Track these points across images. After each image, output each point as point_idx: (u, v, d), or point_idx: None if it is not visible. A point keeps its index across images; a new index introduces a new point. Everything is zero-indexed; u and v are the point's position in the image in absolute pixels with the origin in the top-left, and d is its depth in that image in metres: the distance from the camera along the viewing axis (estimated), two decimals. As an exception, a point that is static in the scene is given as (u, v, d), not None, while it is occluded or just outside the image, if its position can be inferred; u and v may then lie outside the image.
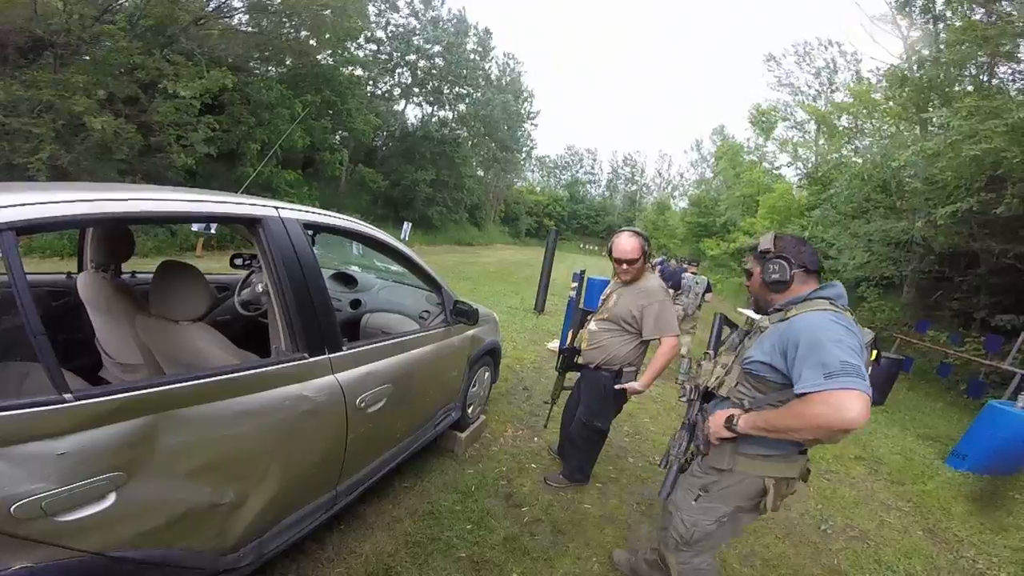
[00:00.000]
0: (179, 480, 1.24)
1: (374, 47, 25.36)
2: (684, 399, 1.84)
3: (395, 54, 26.36)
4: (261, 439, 1.47)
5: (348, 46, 19.58)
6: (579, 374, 2.97)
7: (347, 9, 15.12)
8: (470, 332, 3.01)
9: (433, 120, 28.67)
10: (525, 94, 39.29)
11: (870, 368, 1.43)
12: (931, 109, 9.05)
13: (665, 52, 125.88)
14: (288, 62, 17.11)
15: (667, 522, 1.89)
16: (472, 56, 30.00)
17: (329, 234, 2.22)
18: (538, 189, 58.23)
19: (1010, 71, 9.07)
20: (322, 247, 4.36)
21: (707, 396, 1.77)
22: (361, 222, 2.18)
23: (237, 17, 14.32)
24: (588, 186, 64.62)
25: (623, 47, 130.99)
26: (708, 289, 6.84)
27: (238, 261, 3.02)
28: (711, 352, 1.85)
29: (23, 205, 1.04)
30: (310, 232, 1.91)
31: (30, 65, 10.05)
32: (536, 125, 42.64)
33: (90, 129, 9.72)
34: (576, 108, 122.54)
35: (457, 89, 29.07)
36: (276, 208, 1.68)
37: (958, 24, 8.90)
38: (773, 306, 1.62)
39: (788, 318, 1.49)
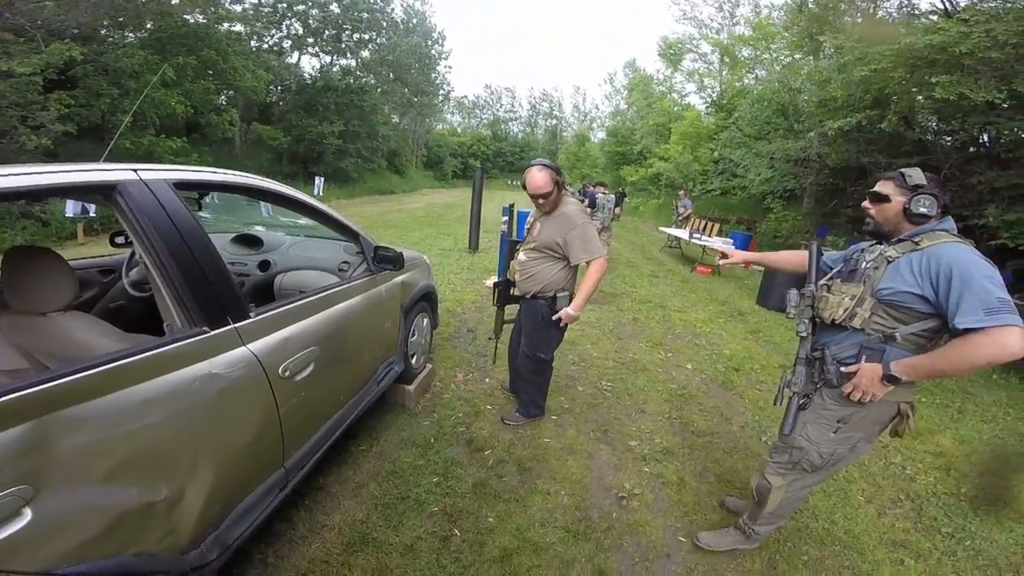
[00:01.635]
0: (98, 484, 1.13)
1: (255, 0, 22.45)
2: (803, 333, 1.78)
3: (280, 5, 23.64)
4: (177, 427, 1.33)
5: (222, 1, 17.20)
6: (517, 306, 2.94)
7: None
8: (399, 279, 2.85)
9: (334, 70, 26.39)
10: (436, 35, 36.94)
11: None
12: (825, 35, 9.51)
13: None
14: (149, 25, 14.81)
15: (783, 455, 1.91)
16: (372, 1, 27.46)
17: (214, 192, 2.01)
18: (460, 131, 56.35)
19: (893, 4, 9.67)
20: (221, 211, 3.91)
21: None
22: (246, 175, 1.91)
23: None
24: (510, 124, 63.42)
25: None
26: (618, 203, 8.61)
27: (119, 239, 2.67)
28: (813, 284, 1.81)
29: None
30: (193, 193, 1.63)
31: None
32: (450, 67, 40.60)
33: None
34: (491, 46, 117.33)
35: (358, 36, 26.78)
36: (135, 170, 1.42)
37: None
38: (899, 235, 1.64)
39: (922, 248, 1.52)
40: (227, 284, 1.57)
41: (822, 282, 1.81)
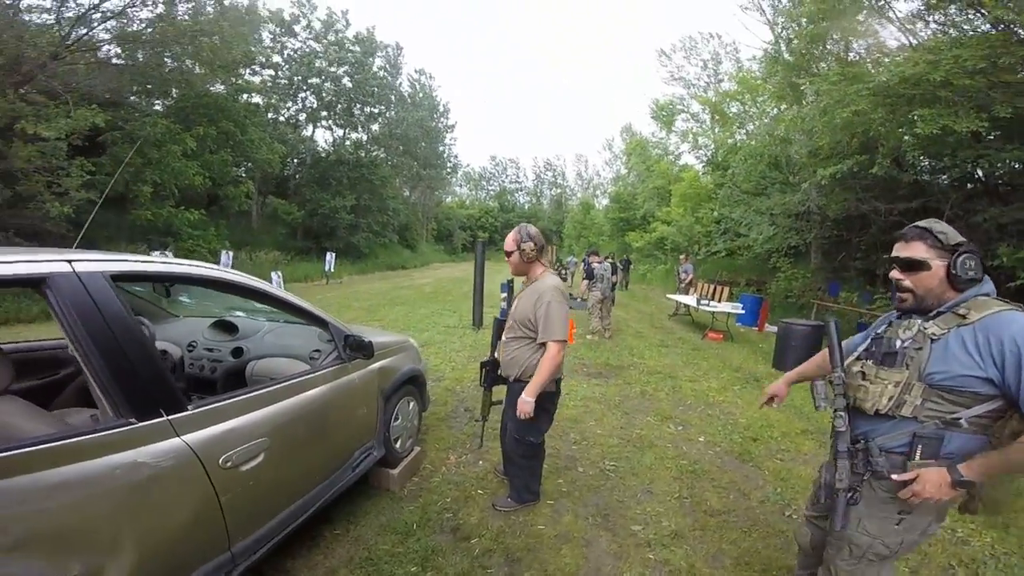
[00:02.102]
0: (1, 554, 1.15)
1: (271, 72, 24.15)
2: (841, 428, 1.56)
3: (295, 78, 25.19)
4: (92, 508, 1.34)
5: (242, 73, 18.51)
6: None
7: (227, 37, 14.19)
8: (375, 365, 2.81)
9: (346, 143, 27.68)
10: (441, 108, 39.19)
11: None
12: (803, 80, 9.81)
13: (571, 57, 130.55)
14: (174, 94, 15.86)
15: (842, 551, 1.66)
16: (382, 74, 29.41)
17: (157, 283, 1.98)
18: (468, 203, 58.37)
19: (862, 45, 10.08)
20: (203, 296, 3.92)
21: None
22: (198, 264, 1.93)
23: (106, 49, 13.03)
24: (516, 194, 65.67)
25: (533, 54, 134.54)
26: (614, 272, 8.84)
27: None
28: (840, 368, 1.61)
29: None
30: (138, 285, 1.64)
31: None
32: (455, 138, 42.90)
33: None
34: (495, 119, 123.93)
35: (368, 109, 28.23)
36: (69, 261, 1.44)
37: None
38: (939, 306, 1.45)
39: (971, 321, 1.36)
40: (160, 378, 1.59)
41: (852, 365, 1.62)
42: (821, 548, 1.83)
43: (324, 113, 26.96)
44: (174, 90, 15.64)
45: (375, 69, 28.69)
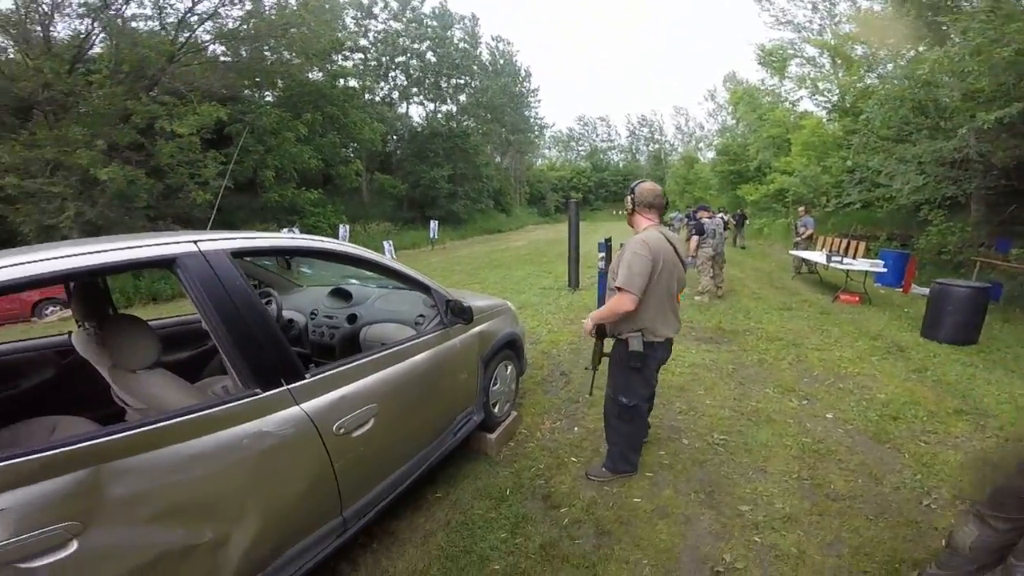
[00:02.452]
0: (142, 525, 1.26)
1: (361, 56, 25.49)
2: None
3: (383, 59, 26.48)
4: (223, 479, 1.43)
5: (335, 59, 19.68)
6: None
7: (314, 27, 15.05)
8: (476, 329, 2.83)
9: (438, 116, 28.74)
10: (522, 73, 38.71)
11: None
12: (945, 17, 8.09)
13: (659, 7, 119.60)
14: (280, 84, 17.26)
15: None
16: (462, 46, 29.78)
17: (273, 256, 2.09)
18: (558, 164, 57.29)
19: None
20: (320, 266, 4.22)
21: None
22: (311, 238, 2.05)
23: (211, 49, 14.47)
24: (609, 153, 63.01)
25: (617, 9, 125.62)
26: (726, 226, 8.77)
27: None
28: None
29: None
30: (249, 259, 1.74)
31: (24, 125, 10.34)
32: (539, 100, 42.42)
33: (102, 180, 9.99)
34: (580, 78, 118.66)
35: (454, 81, 28.97)
36: (195, 241, 1.57)
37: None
38: None
39: None
40: (280, 349, 1.66)
41: None
42: (985, 552, 1.54)
43: (414, 89, 28.19)
44: (279, 81, 17.01)
45: (455, 41, 29.25)
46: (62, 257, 1.30)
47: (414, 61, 27.35)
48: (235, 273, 1.59)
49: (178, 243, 1.52)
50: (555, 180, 49.82)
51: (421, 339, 2.35)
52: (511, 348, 3.27)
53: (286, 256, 2.24)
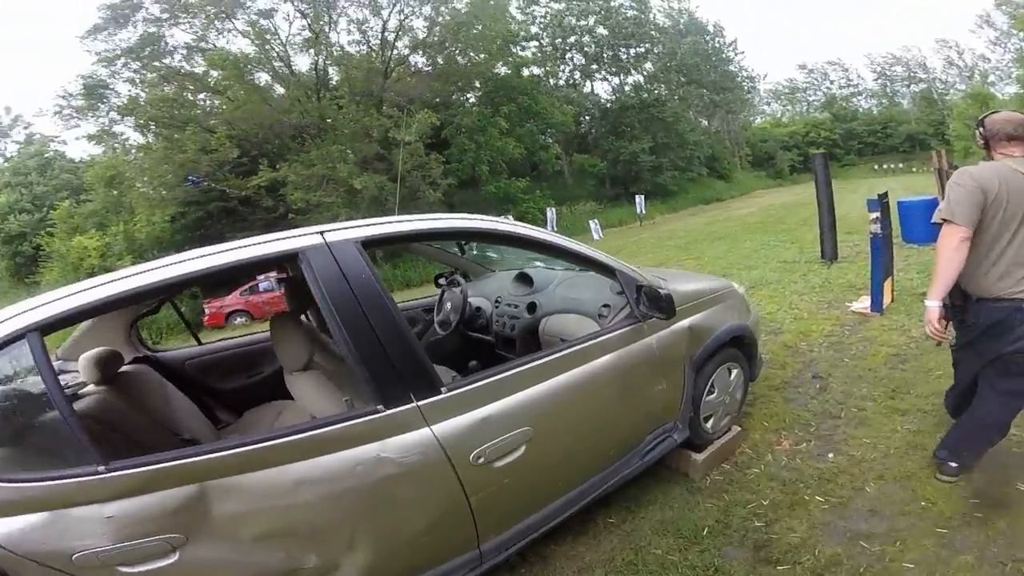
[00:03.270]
0: (244, 544, 1.23)
1: (536, 44, 25.71)
2: None
3: (556, 41, 26.20)
4: (331, 507, 1.30)
5: (513, 50, 20.30)
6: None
7: (487, 23, 15.71)
8: (685, 323, 2.19)
9: (626, 89, 27.47)
10: (710, 29, 33.89)
11: None
12: None
13: None
14: (476, 84, 18.42)
15: None
16: (631, 13, 27.65)
17: (406, 243, 2.17)
18: (785, 120, 48.52)
19: None
20: (504, 250, 3.92)
21: None
22: (455, 217, 1.85)
23: (415, 61, 16.21)
24: (853, 99, 50.32)
25: None
26: None
27: (441, 281, 3.02)
28: None
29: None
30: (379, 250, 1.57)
31: (303, 148, 13.05)
32: (742, 54, 36.90)
33: (357, 189, 12.17)
34: (788, 24, 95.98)
35: (633, 50, 27.38)
36: (321, 232, 1.44)
37: None
38: None
39: None
40: (412, 356, 1.43)
41: None
42: None
43: (594, 66, 27.32)
44: (476, 82, 18.27)
45: (622, 10, 27.43)
46: (197, 258, 1.33)
47: (586, 38, 26.66)
48: (362, 265, 1.42)
49: (304, 235, 1.42)
50: (784, 137, 42.25)
51: (600, 339, 1.88)
52: (737, 346, 2.52)
53: (427, 240, 2.07)
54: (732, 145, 35.59)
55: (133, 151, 14.32)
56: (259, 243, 1.39)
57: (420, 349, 1.47)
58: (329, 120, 13.23)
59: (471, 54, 16.96)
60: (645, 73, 28.36)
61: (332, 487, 1.28)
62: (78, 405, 1.58)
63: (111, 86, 13.71)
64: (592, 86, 28.41)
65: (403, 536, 1.41)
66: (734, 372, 2.52)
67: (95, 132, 14.47)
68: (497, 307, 2.94)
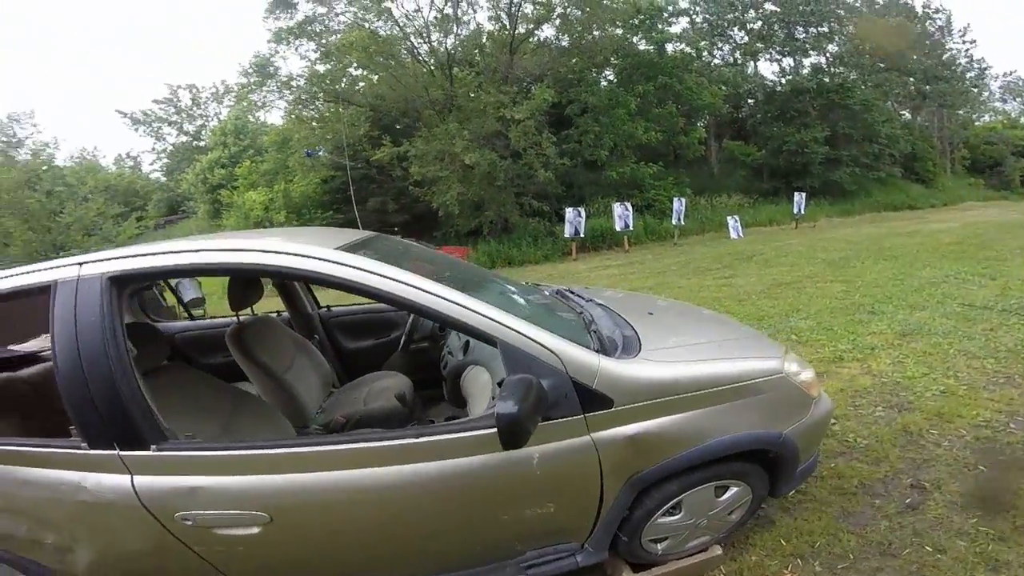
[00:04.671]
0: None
1: (687, 19, 22.80)
2: None
3: (710, 17, 22.83)
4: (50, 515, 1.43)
5: (657, 26, 18.36)
6: None
7: None
8: (624, 430, 1.41)
9: (801, 71, 23.28)
10: (919, 10, 26.81)
11: None
12: None
13: None
14: (613, 61, 17.19)
15: None
16: None
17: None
18: (1023, 121, 37.12)
19: None
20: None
21: None
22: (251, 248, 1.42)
23: (544, 35, 15.43)
24: None
25: None
26: None
27: None
28: None
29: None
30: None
31: (429, 123, 13.51)
32: (972, 41, 28.84)
33: (470, 164, 12.20)
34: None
35: (813, 29, 22.77)
36: (80, 264, 1.38)
37: None
38: None
39: None
40: (120, 408, 1.33)
41: None
42: None
43: (760, 45, 23.32)
44: (612, 58, 16.96)
45: None
46: None
47: (750, 13, 22.85)
48: (96, 307, 1.33)
49: (57, 268, 1.41)
50: (1020, 141, 32.44)
51: (416, 441, 1.35)
52: (750, 460, 1.66)
53: (189, 276, 1.79)
54: (942, 144, 28.64)
55: (293, 120, 16.19)
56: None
57: (138, 404, 1.32)
58: (455, 97, 13.48)
59: (607, 28, 15.72)
60: (828, 55, 23.99)
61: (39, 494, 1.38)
62: None
63: (274, 63, 15.51)
64: (756, 66, 24.85)
65: (114, 558, 1.46)
66: (731, 492, 1.66)
67: (260, 103, 16.73)
68: (445, 337, 2.59)
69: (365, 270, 1.35)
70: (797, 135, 20.05)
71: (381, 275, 1.35)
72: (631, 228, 13.50)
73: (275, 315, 2.82)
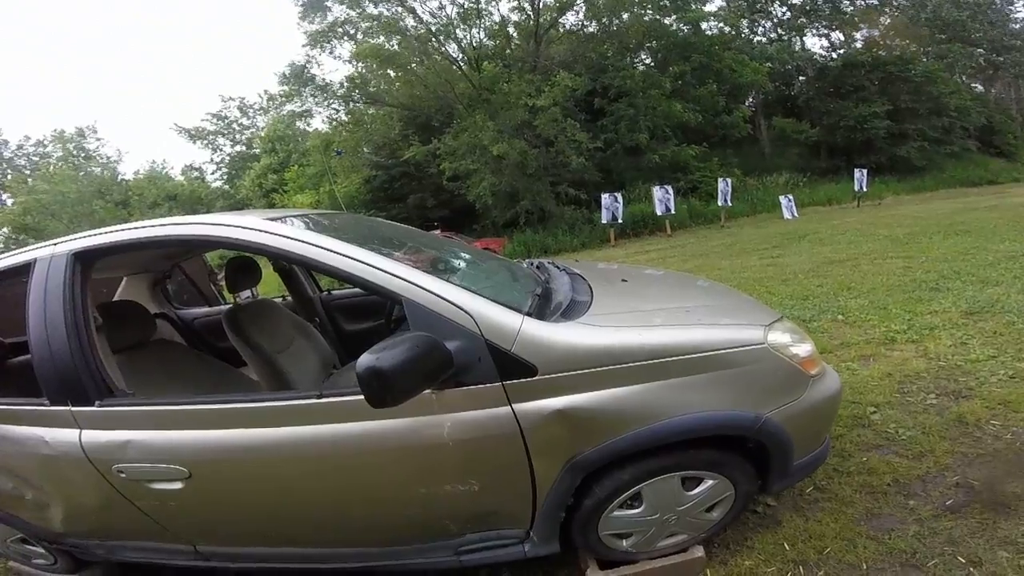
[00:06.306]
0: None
1: None
2: None
3: None
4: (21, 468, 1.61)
5: (690, 5, 17.53)
6: None
7: None
8: (550, 403, 1.22)
9: (853, 44, 21.90)
10: None
11: None
12: None
13: None
14: (650, 44, 16.72)
15: None
16: None
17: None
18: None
19: None
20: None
21: None
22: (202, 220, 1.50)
23: (571, 21, 14.97)
24: None
25: None
26: None
27: None
28: None
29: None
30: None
31: (459, 119, 13.51)
32: None
33: (499, 156, 12.11)
34: None
35: (860, 2, 21.46)
36: (55, 244, 1.56)
37: None
38: None
39: None
40: (70, 370, 1.45)
41: None
42: None
43: (802, 20, 21.90)
44: (647, 43, 16.45)
45: None
46: None
47: None
48: (60, 278, 1.48)
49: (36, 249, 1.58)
50: None
51: (309, 403, 1.33)
52: (725, 447, 1.41)
53: (149, 249, 1.72)
54: (1021, 116, 26.10)
55: (334, 125, 16.73)
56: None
57: (88, 362, 1.43)
58: (485, 90, 13.47)
59: (634, 10, 15.20)
60: (880, 28, 22.28)
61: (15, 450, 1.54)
62: None
63: (309, 69, 15.91)
64: (802, 42, 23.39)
65: (76, 512, 1.61)
66: (705, 485, 1.42)
67: (299, 110, 17.31)
68: None
69: (275, 234, 1.38)
70: (855, 110, 18.67)
71: (289, 237, 1.37)
72: (673, 211, 12.95)
73: (279, 300, 2.90)
